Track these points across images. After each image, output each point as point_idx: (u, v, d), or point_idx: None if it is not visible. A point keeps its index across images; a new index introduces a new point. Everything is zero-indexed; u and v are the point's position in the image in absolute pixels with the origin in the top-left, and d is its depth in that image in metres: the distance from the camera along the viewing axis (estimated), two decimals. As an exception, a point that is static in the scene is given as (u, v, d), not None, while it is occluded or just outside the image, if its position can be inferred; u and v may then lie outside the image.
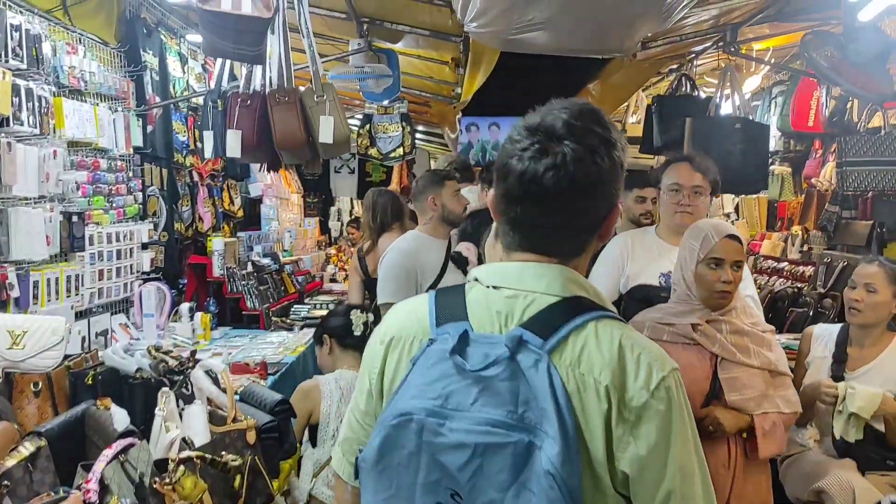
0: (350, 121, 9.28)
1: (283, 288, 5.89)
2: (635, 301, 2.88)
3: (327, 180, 11.31)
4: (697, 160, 3.03)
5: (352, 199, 12.25)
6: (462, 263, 3.60)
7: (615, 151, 1.23)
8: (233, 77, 2.98)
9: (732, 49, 4.96)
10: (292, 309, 5.71)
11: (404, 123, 7.16)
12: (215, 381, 2.22)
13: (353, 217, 11.59)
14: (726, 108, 5.55)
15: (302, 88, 2.66)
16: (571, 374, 1.12)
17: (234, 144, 2.51)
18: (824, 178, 6.04)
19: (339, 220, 12.13)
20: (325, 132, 2.56)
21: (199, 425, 1.92)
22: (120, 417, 1.95)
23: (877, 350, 3.05)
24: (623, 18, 3.77)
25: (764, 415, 2.38)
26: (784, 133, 6.67)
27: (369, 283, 4.68)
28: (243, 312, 5.15)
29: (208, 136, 2.59)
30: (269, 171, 3.79)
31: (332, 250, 9.02)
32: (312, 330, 4.96)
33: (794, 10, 4.70)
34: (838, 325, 3.23)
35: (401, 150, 7.15)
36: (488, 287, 1.24)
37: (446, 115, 7.57)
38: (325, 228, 11.04)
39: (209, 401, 2.16)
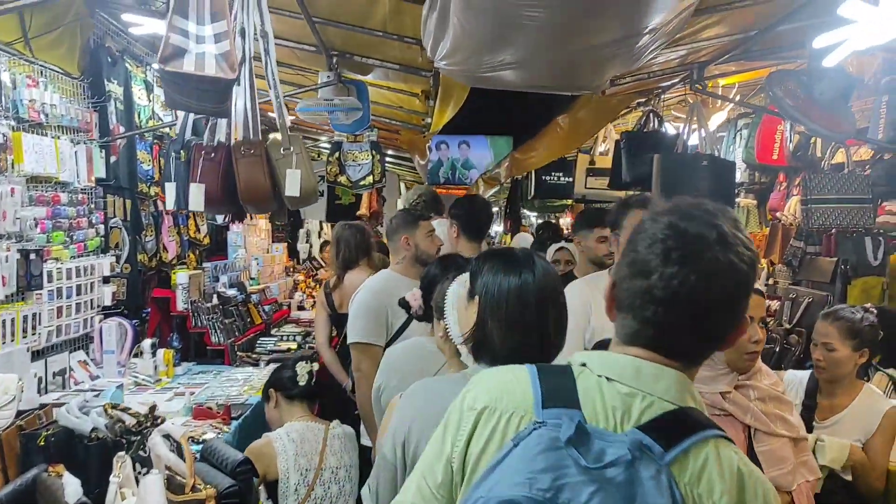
0: (311, 162, 9.32)
1: (249, 319, 5.79)
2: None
3: (296, 203, 11.27)
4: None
5: (321, 222, 12.18)
6: (405, 308, 3.53)
7: (756, 262, 1.21)
8: (196, 130, 2.94)
9: (699, 87, 5.01)
10: (258, 341, 5.62)
11: (374, 152, 7.11)
12: (175, 446, 2.14)
13: (325, 240, 11.51)
14: (693, 141, 5.60)
15: (270, 138, 2.60)
16: (689, 492, 1.10)
17: (197, 198, 2.45)
18: (788, 212, 6.12)
19: (307, 241, 12.04)
20: (292, 186, 2.50)
21: (155, 498, 1.85)
22: (72, 490, 1.87)
23: (846, 399, 3.07)
24: (593, 60, 3.78)
25: (799, 489, 2.28)
26: (749, 165, 6.75)
27: (336, 319, 4.62)
28: (208, 347, 5.04)
29: (170, 187, 2.52)
30: (232, 221, 3.73)
31: (300, 276, 8.92)
32: (278, 365, 4.91)
33: (760, 50, 4.77)
34: (808, 373, 3.25)
35: (370, 178, 7.11)
36: (600, 377, 1.19)
37: (416, 142, 7.55)
38: (293, 252, 10.93)
39: (167, 467, 2.08)
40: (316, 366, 3.32)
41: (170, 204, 2.55)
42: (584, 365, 1.23)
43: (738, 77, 5.92)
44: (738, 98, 6.07)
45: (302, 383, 3.33)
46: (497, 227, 24.69)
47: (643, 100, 6.02)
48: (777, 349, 4.93)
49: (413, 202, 5.50)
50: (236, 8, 2.48)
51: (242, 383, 4.45)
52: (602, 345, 2.85)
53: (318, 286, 8.84)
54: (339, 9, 3.98)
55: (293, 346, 5.59)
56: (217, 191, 2.48)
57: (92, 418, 2.26)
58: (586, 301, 2.88)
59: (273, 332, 6.09)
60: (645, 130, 5.55)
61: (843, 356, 3.06)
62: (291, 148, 2.54)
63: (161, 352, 4.63)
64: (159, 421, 2.36)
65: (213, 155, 2.46)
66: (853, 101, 5.20)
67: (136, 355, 4.66)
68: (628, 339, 1.23)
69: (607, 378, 1.19)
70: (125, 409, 2.36)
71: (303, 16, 3.83)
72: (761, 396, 2.26)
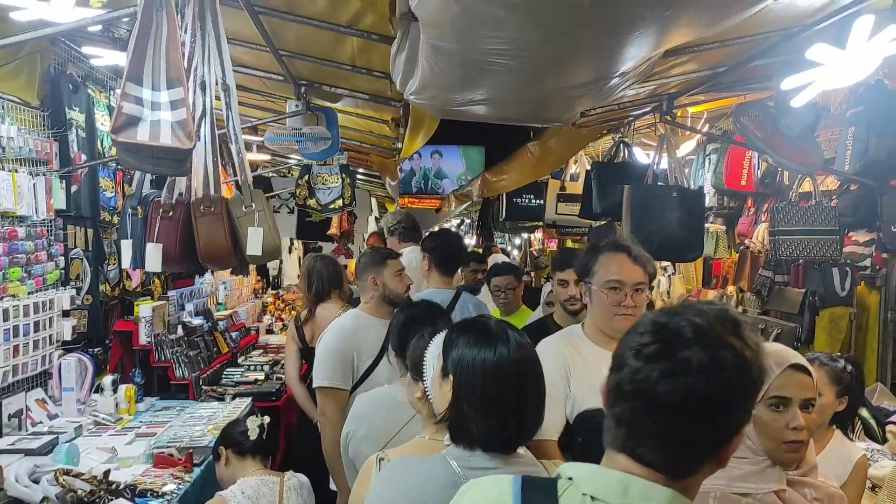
0: (281, 179, 9.19)
1: (215, 349, 5.68)
2: (593, 433, 2.68)
3: (266, 220, 11.11)
4: (635, 251, 2.64)
5: (291, 239, 12.04)
6: None
7: (750, 371, 1.11)
8: (155, 183, 2.84)
9: (668, 118, 5.02)
10: (225, 372, 5.50)
11: (344, 175, 7.07)
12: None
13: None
14: (664, 165, 5.61)
15: (231, 195, 2.52)
16: None
17: (154, 259, 2.36)
18: (757, 239, 6.17)
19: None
20: (254, 244, 2.43)
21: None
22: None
23: (818, 447, 3.05)
24: (563, 98, 3.76)
25: None
26: (718, 190, 6.80)
27: (307, 353, 4.55)
28: (171, 382, 4.93)
29: (126, 245, 2.42)
30: (192, 276, 3.63)
31: (269, 298, 8.79)
32: (244, 401, 4.81)
33: (729, 82, 4.79)
34: None
35: (340, 202, 7.05)
36: (585, 495, 1.13)
37: (387, 165, 7.50)
38: (263, 270, 10.78)
39: (120, 545, 2.00)
40: (267, 419, 3.23)
41: (126, 262, 2.46)
42: (570, 479, 1.18)
43: (708, 105, 5.96)
44: (706, 126, 6.11)
45: (253, 437, 3.23)
46: (469, 240, 24.76)
47: (613, 125, 6.03)
48: (746, 381, 4.94)
49: (392, 226, 5.45)
50: (196, 60, 2.41)
51: (206, 422, 4.33)
52: (585, 416, 2.72)
53: (287, 308, 8.73)
54: (306, 44, 3.91)
55: (260, 377, 5.49)
56: (175, 250, 2.39)
57: (42, 487, 2.16)
58: (563, 363, 2.60)
59: (240, 360, 5.97)
60: (615, 161, 5.55)
61: (829, 402, 3.03)
62: (253, 205, 2.46)
63: (123, 388, 4.51)
64: (114, 487, 2.27)
65: (171, 213, 2.38)
66: (819, 130, 5.26)
67: (97, 390, 4.54)
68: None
69: (592, 497, 1.13)
70: (78, 475, 2.26)
71: (269, 49, 3.76)
72: (819, 497, 1.90)
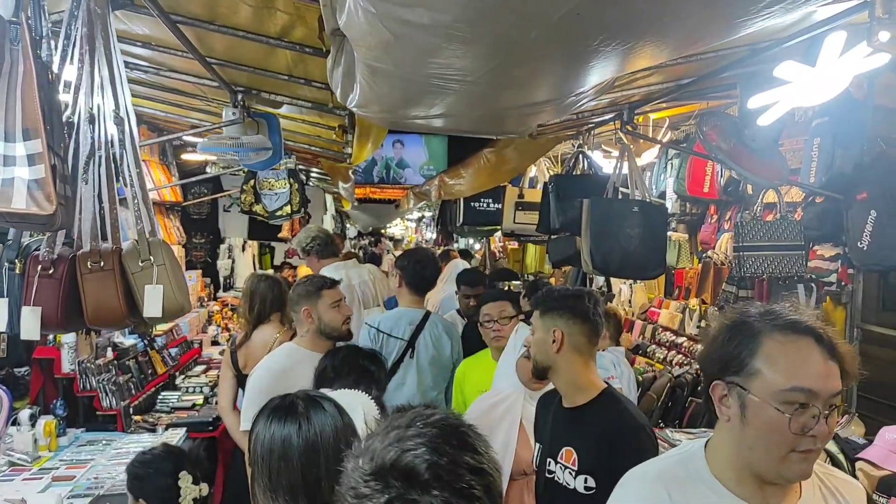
0: (232, 177, 8.74)
1: (151, 370, 5.31)
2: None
3: (216, 219, 10.69)
4: (826, 335, 2.70)
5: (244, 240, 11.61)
6: None
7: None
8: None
9: (629, 128, 4.78)
10: (160, 397, 5.15)
11: (292, 179, 6.72)
12: None
13: (285, 261, 10.99)
14: (624, 171, 5.38)
15: (125, 247, 2.17)
16: None
17: (30, 324, 2.00)
18: (720, 249, 5.99)
19: (229, 257, 11.44)
20: (152, 305, 2.09)
21: None
22: None
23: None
24: (520, 114, 3.49)
25: None
26: (680, 196, 6.61)
27: (242, 380, 4.22)
28: (98, 413, 4.56)
29: (2, 304, 2.08)
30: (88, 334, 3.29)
31: (216, 306, 8.40)
32: (178, 432, 4.48)
33: (691, 92, 4.56)
34: None
35: (288, 209, 6.72)
36: None
37: (338, 169, 7.15)
38: (211, 271, 10.37)
39: None
40: (207, 488, 2.70)
41: (1, 325, 2.11)
42: None
43: (670, 111, 5.75)
44: (668, 133, 5.90)
45: None
46: (430, 234, 24.46)
47: (572, 133, 5.77)
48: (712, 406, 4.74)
49: (307, 245, 5.14)
50: (83, 89, 2.06)
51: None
52: None
53: (236, 316, 8.35)
54: (235, 53, 3.58)
55: (199, 400, 5.15)
56: (57, 313, 2.04)
57: None
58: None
59: (178, 381, 5.61)
60: (574, 173, 5.30)
61: None
62: (152, 258, 2.13)
63: (42, 422, 4.14)
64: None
65: (51, 271, 2.03)
66: (783, 139, 5.07)
67: (14, 423, 4.17)
68: None
69: None
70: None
71: (195, 57, 3.41)
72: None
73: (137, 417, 4.68)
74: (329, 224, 12.78)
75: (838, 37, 2.93)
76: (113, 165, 2.17)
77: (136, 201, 2.24)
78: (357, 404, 2.06)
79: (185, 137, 6.54)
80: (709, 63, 3.65)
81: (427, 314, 4.19)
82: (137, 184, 2.23)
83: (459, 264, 7.92)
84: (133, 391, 4.86)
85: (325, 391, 2.42)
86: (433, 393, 4.06)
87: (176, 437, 4.35)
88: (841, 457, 3.57)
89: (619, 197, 5.01)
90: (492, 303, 3.68)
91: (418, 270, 4.21)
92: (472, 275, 5.71)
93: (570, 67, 2.18)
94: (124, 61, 4.28)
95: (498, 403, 3.01)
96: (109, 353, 4.87)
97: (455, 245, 14.58)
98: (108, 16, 2.17)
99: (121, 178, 2.22)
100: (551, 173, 7.06)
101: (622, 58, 2.11)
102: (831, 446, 3.66)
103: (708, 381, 1.60)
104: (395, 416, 1.03)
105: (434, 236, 17.61)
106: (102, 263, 2.08)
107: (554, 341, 2.43)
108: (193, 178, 8.36)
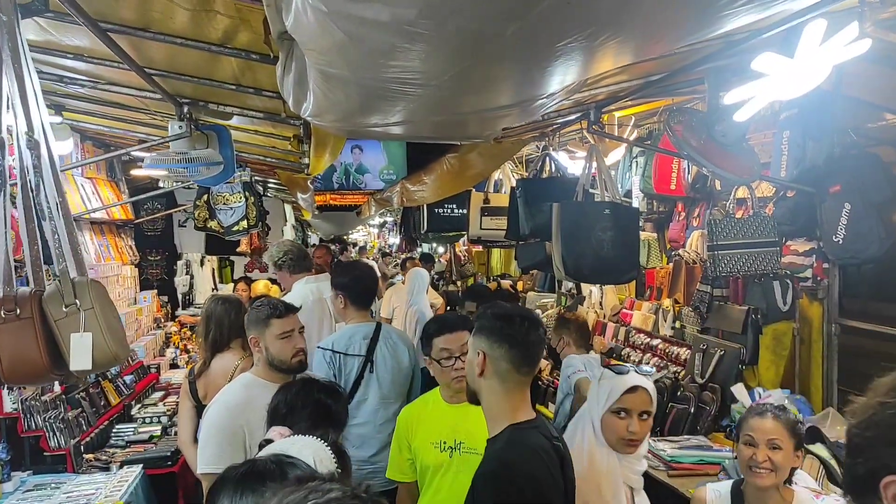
0: (186, 191, 8.38)
1: (103, 402, 5.00)
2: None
3: (171, 235, 10.32)
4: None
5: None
6: None
7: None
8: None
9: (596, 128, 4.61)
10: (114, 430, 4.84)
11: (247, 193, 6.45)
12: None
13: (244, 275, 10.60)
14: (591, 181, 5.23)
15: (48, 290, 1.89)
16: None
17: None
18: (690, 247, 5.87)
19: (188, 273, 11.07)
20: (80, 356, 1.81)
21: None
22: None
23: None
24: (483, 119, 3.29)
25: None
26: (647, 195, 6.49)
27: (202, 411, 3.95)
28: (45, 453, 4.24)
29: None
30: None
31: (174, 327, 8.05)
32: (134, 469, 4.19)
33: (659, 89, 4.41)
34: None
35: (244, 224, 6.44)
36: None
37: (296, 181, 6.89)
38: (170, 290, 9.99)
39: None
40: None
41: None
42: None
43: (636, 108, 5.61)
44: (634, 131, 5.75)
45: None
46: (394, 240, 24.22)
47: (537, 134, 5.60)
48: (692, 409, 4.61)
49: (279, 259, 4.89)
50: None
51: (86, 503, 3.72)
52: None
53: (194, 336, 8.02)
54: (176, 62, 3.31)
55: (156, 431, 4.85)
56: (-38, 371, 1.79)
57: None
58: None
59: (134, 411, 5.30)
60: (542, 176, 5.11)
61: (790, 456, 2.69)
62: (78, 302, 1.86)
63: (-17, 468, 3.83)
64: None
65: (-42, 321, 1.78)
66: (750, 133, 4.96)
67: (-47, 470, 3.85)
68: None
69: None
70: None
71: (131, 68, 3.14)
72: None
73: (89, 456, 4.37)
74: (290, 234, 12.46)
75: (818, 25, 2.80)
76: (31, 195, 1.90)
77: (56, 237, 1.97)
78: (308, 454, 1.87)
79: (133, 153, 6.22)
80: (680, 58, 3.49)
81: (379, 325, 4.02)
82: (59, 214, 1.96)
83: (421, 273, 7.70)
84: (84, 427, 4.55)
85: (275, 432, 2.23)
86: (395, 406, 3.84)
87: (131, 476, 4.05)
88: (834, 463, 3.43)
89: (589, 199, 4.84)
90: (448, 334, 2.96)
91: (360, 285, 4.04)
92: (481, 289, 5.40)
93: (545, 67, 1.98)
94: (58, 75, 4.02)
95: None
96: (57, 387, 4.55)
97: (418, 250, 14.38)
98: (17, 24, 1.90)
99: (38, 209, 1.95)
100: (516, 176, 6.88)
101: (607, 53, 1.93)
102: (822, 452, 3.53)
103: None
104: (287, 492, 0.92)
105: (397, 241, 17.38)
106: (19, 311, 1.82)
107: (477, 364, 2.20)
108: (145, 195, 8.02)
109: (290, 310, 3.16)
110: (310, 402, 2.43)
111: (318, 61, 2.17)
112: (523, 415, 2.21)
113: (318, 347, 3.94)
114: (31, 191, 1.90)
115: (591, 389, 2.73)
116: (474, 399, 2.29)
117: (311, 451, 1.93)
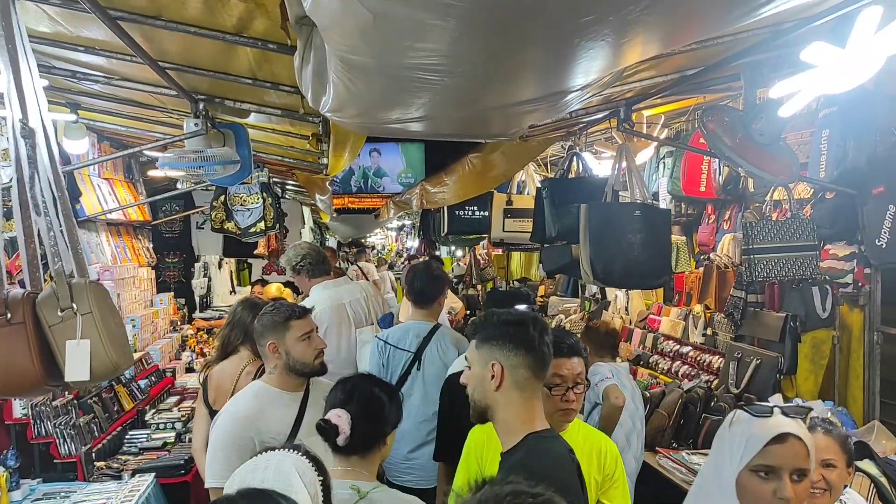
0: (204, 192, 8.24)
1: (116, 407, 4.87)
2: None
3: (189, 237, 10.23)
4: None
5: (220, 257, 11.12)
6: (330, 435, 2.78)
7: None
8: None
9: (626, 126, 4.42)
10: (127, 437, 4.71)
11: (265, 194, 6.32)
12: None
13: (260, 278, 10.48)
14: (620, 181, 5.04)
15: (43, 293, 1.73)
16: None
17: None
18: (722, 251, 5.65)
19: (205, 275, 10.97)
20: (77, 365, 1.65)
21: None
22: None
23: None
24: (509, 115, 3.12)
25: None
26: (675, 197, 6.28)
27: (214, 416, 3.81)
28: (56, 460, 4.11)
29: None
30: None
31: (190, 330, 7.93)
32: (146, 478, 4.05)
33: (694, 85, 4.22)
34: None
35: (262, 225, 6.31)
36: None
37: (314, 181, 6.75)
38: (187, 293, 9.89)
39: None
40: None
41: None
42: None
43: (665, 107, 5.42)
44: (663, 132, 5.56)
45: None
46: (411, 242, 24.07)
47: (563, 133, 5.42)
48: (726, 421, 4.39)
49: (296, 264, 4.73)
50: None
51: (96, 514, 3.58)
52: None
53: (211, 339, 7.90)
54: (191, 55, 3.17)
55: (170, 437, 4.72)
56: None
57: None
58: None
59: (148, 417, 5.17)
60: (569, 176, 4.93)
61: (844, 475, 2.49)
62: (75, 306, 1.70)
63: (-9, 476, 3.70)
64: None
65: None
66: (785, 132, 4.76)
67: (-39, 478, 3.72)
68: None
69: None
70: None
71: (144, 61, 3.00)
72: None
73: (100, 463, 4.24)
74: (308, 237, 12.34)
75: (873, 12, 2.60)
76: (27, 189, 1.75)
77: (51, 234, 1.81)
78: (291, 473, 1.88)
79: (148, 152, 6.11)
80: (715, 52, 3.30)
81: (436, 327, 4.03)
82: (56, 211, 1.81)
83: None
84: (96, 433, 4.42)
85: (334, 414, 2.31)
86: (437, 406, 3.72)
87: (143, 486, 3.91)
88: (884, 480, 3.22)
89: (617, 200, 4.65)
90: (565, 359, 2.56)
91: (415, 284, 4.08)
92: (510, 294, 5.21)
93: (577, 48, 1.81)
94: (71, 70, 3.90)
95: None
96: (67, 393, 4.42)
97: (437, 253, 14.22)
98: (12, 4, 1.75)
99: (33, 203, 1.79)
100: (540, 177, 6.70)
101: (642, 32, 1.75)
102: (871, 468, 3.31)
103: None
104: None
105: (416, 244, 17.24)
106: (10, 315, 1.66)
107: (493, 377, 2.02)
108: (162, 196, 7.93)
109: (306, 311, 3.04)
110: (365, 395, 2.39)
111: (340, 47, 2.01)
112: (540, 423, 2.06)
113: (375, 336, 4.12)
114: (27, 184, 1.75)
115: (718, 439, 1.94)
116: (482, 418, 2.11)
117: (293, 470, 1.94)
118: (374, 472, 2.41)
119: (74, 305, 1.73)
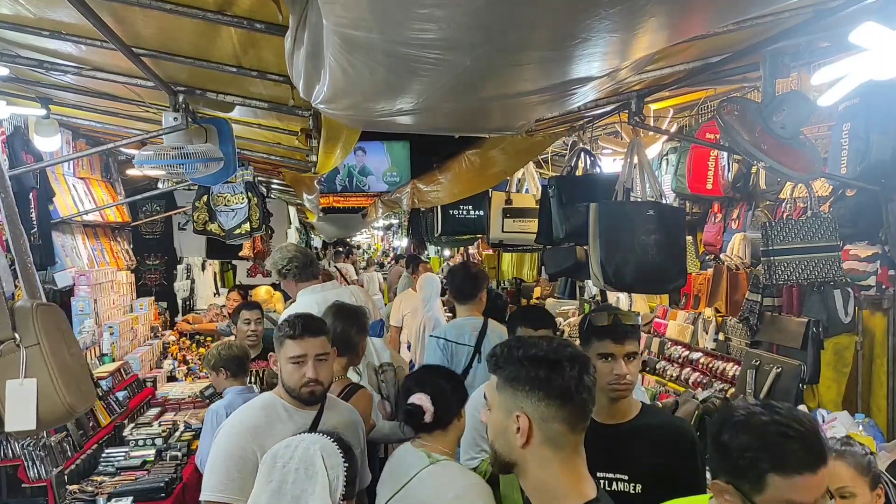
0: (186, 192, 7.88)
1: (92, 423, 4.53)
2: None
3: (170, 238, 9.88)
4: None
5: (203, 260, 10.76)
6: (417, 417, 2.65)
7: None
8: None
9: (637, 120, 4.14)
10: (103, 455, 4.38)
11: (250, 194, 5.99)
12: None
13: (236, 284, 10.13)
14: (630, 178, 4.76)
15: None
16: None
17: None
18: (733, 252, 5.39)
19: (188, 277, 10.60)
20: (19, 411, 1.31)
21: None
22: None
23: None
24: (515, 106, 2.83)
25: None
26: (679, 195, 6.03)
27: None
28: (24, 485, 3.78)
29: None
30: None
31: (172, 336, 7.58)
32: (123, 502, 3.73)
33: (706, 77, 3.95)
34: None
35: (247, 226, 5.99)
36: None
37: (302, 180, 6.43)
38: (169, 296, 9.54)
39: None
40: None
41: None
42: None
43: (674, 100, 5.15)
44: (673, 126, 5.29)
45: None
46: (399, 242, 23.76)
47: (566, 128, 5.13)
48: (745, 434, 4.12)
49: (283, 267, 4.45)
50: None
51: (67, 545, 3.25)
52: None
53: (193, 346, 7.56)
54: (168, 39, 2.85)
55: (150, 455, 4.39)
56: None
57: None
58: None
59: (126, 432, 4.83)
60: (577, 174, 4.64)
61: (868, 501, 2.22)
62: (17, 336, 1.38)
63: (-49, 504, 3.37)
64: None
65: None
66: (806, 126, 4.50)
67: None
68: None
69: None
70: None
71: (116, 46, 2.68)
72: None
73: (73, 487, 3.90)
74: (293, 237, 11.99)
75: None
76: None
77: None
78: (315, 455, 2.30)
79: (126, 150, 5.77)
80: (750, 34, 3.02)
81: (487, 320, 4.37)
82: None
83: (433, 279, 7.21)
84: (69, 453, 4.08)
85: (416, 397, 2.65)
86: None
87: (121, 509, 3.59)
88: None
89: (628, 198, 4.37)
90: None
91: (454, 282, 4.51)
92: (535, 313, 4.90)
93: (590, 29, 1.53)
94: (37, 60, 3.56)
95: None
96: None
97: (426, 253, 13.92)
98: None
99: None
100: (540, 174, 6.42)
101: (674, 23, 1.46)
102: None
103: None
104: None
105: (403, 244, 16.94)
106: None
107: (518, 430, 1.61)
108: (142, 196, 7.60)
109: (310, 331, 2.68)
110: (432, 379, 2.75)
111: (340, 20, 1.71)
112: (590, 488, 1.64)
113: (431, 336, 4.49)
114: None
115: None
116: (506, 469, 1.69)
117: (318, 446, 2.33)
118: (453, 448, 2.73)
119: (17, 336, 1.40)
